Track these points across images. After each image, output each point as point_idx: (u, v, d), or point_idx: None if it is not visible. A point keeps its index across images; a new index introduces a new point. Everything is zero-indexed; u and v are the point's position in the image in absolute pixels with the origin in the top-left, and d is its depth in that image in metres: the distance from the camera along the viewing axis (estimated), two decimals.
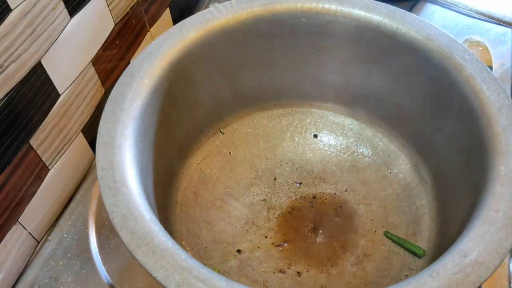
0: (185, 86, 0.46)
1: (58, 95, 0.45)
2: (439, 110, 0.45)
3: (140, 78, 0.40)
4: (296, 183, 0.51)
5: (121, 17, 0.52)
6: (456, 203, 0.42)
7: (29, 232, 0.45)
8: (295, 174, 0.52)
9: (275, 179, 0.52)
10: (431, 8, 0.70)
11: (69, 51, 0.45)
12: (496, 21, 0.67)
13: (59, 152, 0.47)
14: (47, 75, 0.43)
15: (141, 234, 0.32)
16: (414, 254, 0.45)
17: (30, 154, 0.43)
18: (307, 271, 0.45)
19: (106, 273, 0.45)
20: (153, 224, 0.33)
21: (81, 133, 0.50)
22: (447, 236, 0.42)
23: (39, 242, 0.47)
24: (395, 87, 0.49)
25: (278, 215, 0.49)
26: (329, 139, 0.54)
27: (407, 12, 0.46)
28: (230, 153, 0.53)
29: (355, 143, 0.54)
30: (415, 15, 0.45)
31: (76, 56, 0.46)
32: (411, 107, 0.49)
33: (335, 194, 0.50)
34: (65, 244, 0.47)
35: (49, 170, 0.46)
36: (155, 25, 0.60)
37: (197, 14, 0.45)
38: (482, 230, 0.32)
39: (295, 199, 0.50)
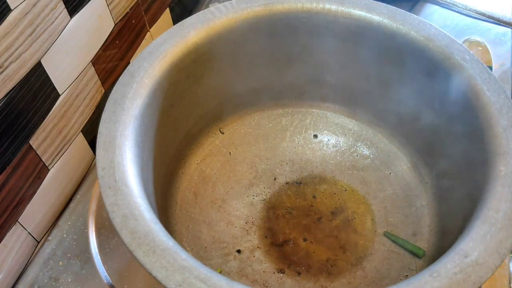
0: (185, 86, 0.46)
1: (58, 95, 0.45)
2: (439, 110, 0.45)
3: (140, 78, 0.40)
4: (296, 183, 0.51)
5: (121, 17, 0.52)
6: (456, 203, 0.42)
7: (29, 232, 0.45)
8: (295, 174, 0.52)
9: (275, 179, 0.52)
10: (431, 8, 0.70)
11: (69, 51, 0.45)
12: (496, 21, 0.67)
13: (59, 152, 0.47)
14: (47, 75, 0.43)
15: (141, 233, 0.32)
16: (414, 254, 0.45)
17: (30, 154, 0.43)
18: (307, 271, 0.45)
19: (106, 273, 0.45)
20: (153, 223, 0.33)
21: (81, 133, 0.50)
22: (447, 236, 0.42)
23: (39, 242, 0.47)
24: (395, 87, 0.49)
25: (278, 215, 0.49)
26: (329, 139, 0.54)
27: (407, 12, 0.46)
28: (230, 153, 0.53)
29: (355, 143, 0.54)
30: (415, 15, 0.45)
31: (76, 56, 0.46)
32: (411, 107, 0.49)
33: (335, 194, 0.50)
34: (65, 244, 0.47)
35: (49, 170, 0.46)
36: (155, 25, 0.60)
37: (197, 14, 0.45)
38: (482, 230, 0.32)
39: (295, 199, 0.50)
